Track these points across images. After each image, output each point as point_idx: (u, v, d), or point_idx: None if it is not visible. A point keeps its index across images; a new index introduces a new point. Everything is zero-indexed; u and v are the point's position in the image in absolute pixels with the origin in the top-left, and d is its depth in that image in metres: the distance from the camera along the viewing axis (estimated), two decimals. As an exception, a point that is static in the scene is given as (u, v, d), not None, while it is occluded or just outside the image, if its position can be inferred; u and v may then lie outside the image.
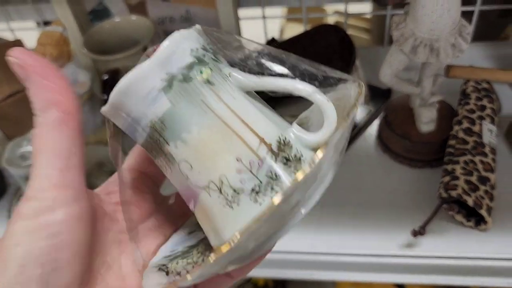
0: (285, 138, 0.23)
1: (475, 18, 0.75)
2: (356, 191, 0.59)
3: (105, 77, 0.63)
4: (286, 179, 0.21)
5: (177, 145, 0.22)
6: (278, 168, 0.22)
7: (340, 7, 1.24)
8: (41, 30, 0.82)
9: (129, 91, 0.22)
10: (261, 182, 0.21)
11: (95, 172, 0.65)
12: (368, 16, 1.18)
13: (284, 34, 1.14)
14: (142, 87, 0.22)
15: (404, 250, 0.52)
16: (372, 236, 0.54)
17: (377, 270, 0.54)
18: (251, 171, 0.21)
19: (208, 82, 0.22)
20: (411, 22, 0.48)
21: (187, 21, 0.78)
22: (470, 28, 0.49)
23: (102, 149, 0.67)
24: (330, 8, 1.29)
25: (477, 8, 0.74)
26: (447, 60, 0.49)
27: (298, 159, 0.22)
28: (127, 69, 0.73)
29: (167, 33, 0.81)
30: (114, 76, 0.63)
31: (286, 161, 0.22)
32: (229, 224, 0.22)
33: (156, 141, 0.23)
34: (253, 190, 0.21)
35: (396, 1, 0.50)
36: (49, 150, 0.21)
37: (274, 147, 0.22)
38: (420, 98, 0.58)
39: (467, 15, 0.75)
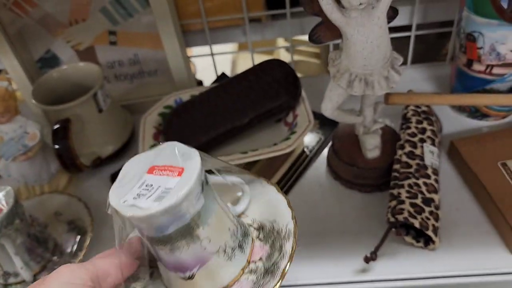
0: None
1: (411, 42, 0.79)
2: (310, 220, 0.60)
3: (56, 126, 0.63)
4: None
5: (204, 228, 0.32)
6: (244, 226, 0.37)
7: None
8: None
9: (189, 195, 0.30)
10: (241, 239, 0.36)
11: (52, 221, 0.64)
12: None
13: (236, 66, 1.17)
14: (195, 192, 0.31)
15: (358, 276, 0.54)
16: (327, 264, 0.55)
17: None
18: (235, 235, 0.35)
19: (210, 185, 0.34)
20: (345, 59, 0.51)
21: (136, 64, 0.79)
22: (401, 60, 0.52)
23: (57, 197, 0.67)
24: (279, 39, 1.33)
25: (413, 34, 0.78)
26: (382, 92, 0.51)
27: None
28: (77, 117, 0.74)
29: (117, 77, 0.82)
30: (65, 126, 0.63)
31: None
32: (229, 271, 0.35)
33: (190, 228, 0.32)
34: (239, 245, 0.35)
35: (329, 40, 0.53)
36: None
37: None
38: (363, 126, 0.60)
39: (404, 40, 0.80)
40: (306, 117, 0.65)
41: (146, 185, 0.32)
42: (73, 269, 0.31)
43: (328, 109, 0.55)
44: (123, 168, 0.34)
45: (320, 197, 0.63)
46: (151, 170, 0.33)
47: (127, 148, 0.75)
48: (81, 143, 0.66)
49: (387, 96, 0.60)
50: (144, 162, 0.34)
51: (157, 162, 0.33)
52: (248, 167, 0.66)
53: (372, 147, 0.59)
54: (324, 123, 0.73)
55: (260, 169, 0.66)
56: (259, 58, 0.77)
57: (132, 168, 0.34)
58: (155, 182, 0.31)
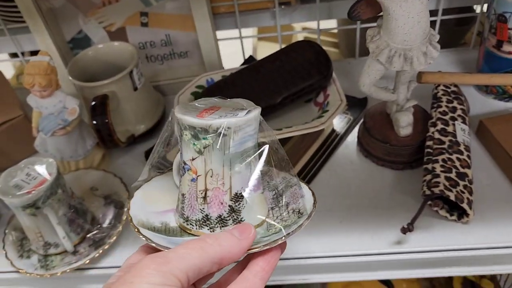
0: None
1: (437, 27, 0.80)
2: (343, 197, 0.62)
3: (94, 102, 0.64)
4: None
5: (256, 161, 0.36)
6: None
7: (309, 24, 1.29)
8: (23, 62, 0.83)
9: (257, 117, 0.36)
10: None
11: (88, 196, 0.66)
12: (335, 31, 1.24)
13: (257, 53, 1.18)
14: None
15: (394, 247, 0.55)
16: (363, 236, 0.57)
17: (370, 269, 0.57)
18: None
19: None
20: (385, 35, 0.52)
21: (168, 45, 0.80)
22: (438, 37, 0.54)
23: (93, 173, 0.68)
24: (298, 25, 1.34)
25: (439, 18, 0.79)
26: (420, 67, 0.53)
27: None
28: (113, 94, 0.76)
29: (148, 58, 0.84)
30: (103, 101, 0.64)
31: None
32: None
33: (255, 151, 0.36)
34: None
35: (368, 15, 0.54)
36: None
37: None
38: (396, 104, 0.62)
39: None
40: (338, 96, 0.67)
41: (217, 112, 0.35)
42: (164, 270, 0.29)
43: (366, 85, 0.57)
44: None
45: (352, 174, 0.65)
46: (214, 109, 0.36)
47: (159, 127, 0.76)
48: (116, 121, 0.67)
49: (420, 74, 0.62)
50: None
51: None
52: (281, 144, 0.67)
53: (405, 124, 0.61)
54: (352, 104, 0.75)
55: (292, 147, 0.68)
56: (275, 46, 0.78)
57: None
58: (223, 111, 0.35)
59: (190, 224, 0.36)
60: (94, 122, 0.65)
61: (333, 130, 0.71)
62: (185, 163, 0.35)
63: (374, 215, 0.59)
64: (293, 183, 0.40)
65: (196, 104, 0.37)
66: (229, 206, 0.35)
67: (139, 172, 0.70)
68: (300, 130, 0.62)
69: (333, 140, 0.70)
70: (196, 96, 0.72)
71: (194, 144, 0.34)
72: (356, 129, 0.71)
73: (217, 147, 0.33)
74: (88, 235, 0.61)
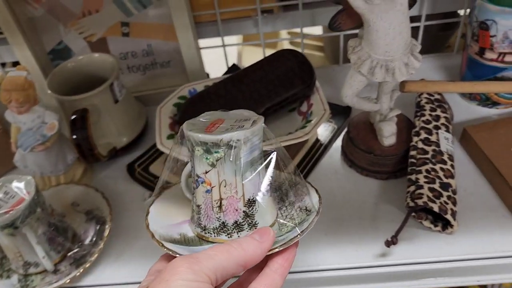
0: None
1: (420, 33, 0.80)
2: (328, 208, 0.61)
3: (74, 116, 0.63)
4: None
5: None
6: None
7: (294, 29, 1.29)
8: (2, 75, 0.82)
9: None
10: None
11: (69, 212, 0.64)
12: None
13: (243, 58, 1.18)
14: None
15: (379, 260, 0.55)
16: (347, 249, 0.56)
17: (356, 282, 0.56)
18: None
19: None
20: (366, 46, 0.52)
21: (149, 55, 0.79)
22: (419, 47, 0.53)
23: (74, 188, 0.67)
24: (283, 31, 1.33)
25: (422, 24, 0.79)
26: (402, 78, 0.52)
27: None
28: (94, 108, 0.75)
29: (129, 68, 0.82)
30: (83, 115, 0.63)
31: None
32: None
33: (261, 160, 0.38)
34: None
35: (349, 27, 0.53)
36: None
37: None
38: (379, 114, 0.61)
39: (412, 30, 0.81)
40: (321, 105, 0.66)
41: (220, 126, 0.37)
42: (196, 269, 0.32)
43: (348, 96, 0.56)
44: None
45: (336, 184, 0.64)
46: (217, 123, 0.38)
47: (141, 139, 0.75)
48: (97, 134, 0.66)
49: (403, 83, 0.61)
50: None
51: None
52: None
53: (389, 134, 0.60)
54: (336, 112, 0.74)
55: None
56: (260, 51, 0.77)
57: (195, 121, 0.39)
58: (228, 123, 0.37)
59: (208, 232, 0.38)
60: (74, 136, 0.63)
61: (317, 140, 0.70)
62: (198, 177, 0.37)
63: (359, 226, 0.58)
64: (296, 181, 0.42)
65: (201, 120, 0.39)
66: (244, 211, 0.37)
67: (121, 185, 0.70)
68: (284, 141, 0.61)
69: (318, 150, 0.69)
70: (179, 107, 0.71)
71: (206, 158, 0.36)
72: (340, 138, 0.70)
73: (230, 159, 0.35)
74: (69, 253, 0.60)
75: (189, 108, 0.69)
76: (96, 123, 0.67)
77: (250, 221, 0.38)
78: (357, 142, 0.63)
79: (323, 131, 0.72)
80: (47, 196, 0.59)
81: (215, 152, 0.35)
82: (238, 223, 0.37)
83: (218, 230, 0.38)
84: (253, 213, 0.38)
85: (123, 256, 0.61)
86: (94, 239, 0.61)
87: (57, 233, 0.59)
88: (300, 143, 0.68)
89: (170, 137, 0.65)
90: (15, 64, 0.91)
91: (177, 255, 0.35)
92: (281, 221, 0.40)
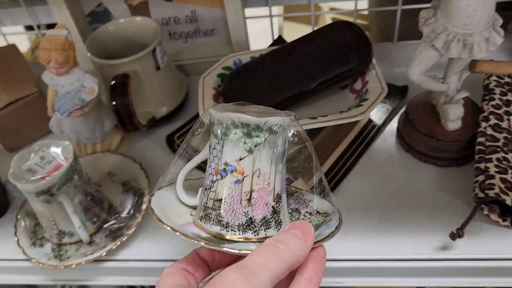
0: None
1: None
2: (382, 194, 0.57)
3: (114, 81, 0.59)
4: None
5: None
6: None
7: (337, 4, 1.22)
8: (39, 35, 0.78)
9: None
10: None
11: (105, 182, 0.61)
12: (365, 13, 1.17)
13: (283, 34, 1.12)
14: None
15: (438, 253, 0.50)
16: (404, 240, 0.52)
17: (412, 275, 0.52)
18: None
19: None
20: (443, 17, 0.46)
21: (193, 22, 0.75)
22: (501, 21, 0.48)
23: (111, 157, 0.64)
24: (325, 5, 1.27)
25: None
26: (481, 55, 0.47)
27: None
28: (134, 74, 0.70)
29: (171, 35, 0.78)
30: (123, 81, 0.59)
31: None
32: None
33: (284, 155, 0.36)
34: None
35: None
36: None
37: None
38: (445, 95, 0.56)
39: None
40: (378, 83, 0.61)
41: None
42: (252, 282, 0.27)
43: (416, 73, 0.51)
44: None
45: (391, 169, 0.59)
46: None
47: (181, 110, 0.71)
48: (136, 102, 0.62)
49: (474, 63, 0.56)
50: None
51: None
52: (311, 134, 0.62)
53: (455, 117, 0.55)
54: (391, 93, 0.68)
55: (324, 138, 0.62)
56: (302, 27, 0.72)
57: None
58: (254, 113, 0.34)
59: (232, 230, 0.34)
60: (114, 103, 0.60)
61: (369, 120, 0.66)
62: (227, 165, 0.33)
63: (416, 216, 0.54)
64: (292, 191, 0.41)
65: (226, 106, 0.36)
66: (272, 207, 0.35)
67: (160, 157, 0.67)
68: (338, 119, 0.57)
69: (370, 131, 0.64)
70: (223, 78, 0.67)
71: (245, 142, 0.33)
72: (395, 120, 0.65)
73: (269, 146, 0.33)
74: (105, 225, 0.57)
75: (235, 80, 0.64)
76: (136, 90, 0.64)
77: (277, 219, 0.35)
78: (417, 125, 0.58)
79: (377, 112, 0.67)
80: (82, 164, 0.56)
81: (256, 136, 0.33)
82: (266, 219, 0.34)
83: (244, 226, 0.34)
84: (280, 210, 0.35)
85: (160, 232, 0.58)
86: (131, 212, 0.58)
87: (94, 203, 0.56)
88: (352, 123, 0.64)
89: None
90: (50, 26, 0.88)
91: (215, 247, 0.32)
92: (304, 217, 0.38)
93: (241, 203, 0.33)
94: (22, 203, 0.61)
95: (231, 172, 0.33)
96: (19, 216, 0.60)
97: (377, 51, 0.77)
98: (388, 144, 0.62)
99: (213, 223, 0.34)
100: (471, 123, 0.57)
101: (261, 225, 0.34)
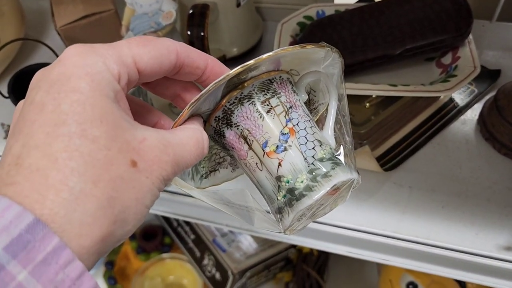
0: None
1: None
2: (451, 179, 0.53)
3: (193, 11, 0.57)
4: None
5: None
6: None
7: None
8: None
9: None
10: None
11: (166, 112, 0.60)
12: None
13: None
14: None
15: (501, 252, 0.46)
16: (466, 230, 0.48)
17: (467, 269, 0.49)
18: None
19: None
20: None
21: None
22: None
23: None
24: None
25: None
26: None
27: None
28: (214, 6, 0.65)
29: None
30: (202, 11, 0.57)
31: None
32: None
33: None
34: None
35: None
36: None
37: None
38: (546, 86, 0.50)
39: None
40: (471, 61, 0.56)
41: None
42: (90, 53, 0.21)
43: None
44: None
45: (465, 155, 0.55)
46: None
47: (252, 54, 0.68)
48: (210, 36, 0.60)
49: None
50: None
51: None
52: (386, 103, 0.58)
53: (553, 112, 0.50)
54: (479, 75, 0.63)
55: (399, 108, 0.58)
56: None
57: None
58: None
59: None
60: (189, 32, 0.58)
61: (451, 100, 0.61)
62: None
63: (485, 209, 0.50)
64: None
65: None
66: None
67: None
68: (420, 91, 0.53)
69: (449, 111, 0.59)
70: (302, 27, 0.63)
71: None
72: (479, 105, 0.60)
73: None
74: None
75: (316, 31, 0.61)
76: (212, 23, 0.61)
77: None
78: (506, 113, 0.53)
79: (460, 92, 0.61)
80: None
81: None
82: None
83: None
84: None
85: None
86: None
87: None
88: (431, 99, 0.59)
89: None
90: None
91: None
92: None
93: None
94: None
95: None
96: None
97: (471, 28, 0.71)
98: (466, 129, 0.58)
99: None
100: None
101: None
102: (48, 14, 0.70)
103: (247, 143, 0.27)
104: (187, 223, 0.91)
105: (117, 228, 0.20)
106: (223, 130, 0.28)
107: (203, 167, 0.32)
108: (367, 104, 0.58)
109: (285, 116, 0.27)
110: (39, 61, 0.65)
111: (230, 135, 0.27)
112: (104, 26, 0.69)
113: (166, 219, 0.95)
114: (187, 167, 0.24)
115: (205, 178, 0.32)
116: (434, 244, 0.48)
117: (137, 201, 0.21)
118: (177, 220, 0.93)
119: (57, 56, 0.66)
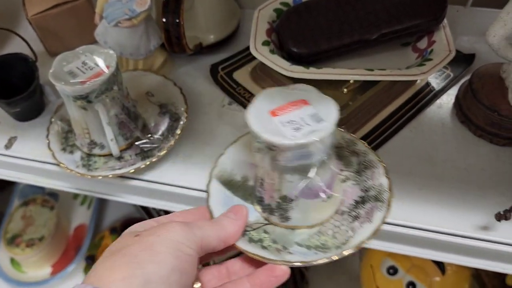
0: None
1: None
2: (428, 162, 0.53)
3: (167, -3, 0.56)
4: None
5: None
6: None
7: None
8: None
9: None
10: None
11: (142, 101, 0.59)
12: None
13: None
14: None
15: (478, 232, 0.47)
16: (444, 212, 0.49)
17: (446, 249, 0.49)
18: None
19: None
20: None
21: None
22: None
23: (151, 77, 0.62)
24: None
25: None
26: None
27: None
28: None
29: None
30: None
31: None
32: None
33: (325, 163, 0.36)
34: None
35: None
36: None
37: None
38: (519, 68, 0.51)
39: None
40: (446, 45, 0.56)
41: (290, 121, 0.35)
42: (186, 230, 0.33)
43: (497, 35, 0.46)
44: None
45: (441, 138, 0.56)
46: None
47: (229, 41, 0.68)
48: (186, 24, 0.59)
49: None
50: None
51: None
52: (363, 88, 0.58)
53: (526, 94, 0.51)
54: (455, 59, 0.63)
55: (376, 94, 0.59)
56: None
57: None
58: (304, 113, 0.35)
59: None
60: (164, 20, 0.57)
61: (427, 84, 0.61)
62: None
63: (461, 190, 0.50)
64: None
65: (289, 91, 0.37)
66: (277, 202, 0.38)
67: (201, 85, 0.64)
68: (396, 75, 0.53)
69: (426, 96, 0.60)
70: (279, 13, 0.63)
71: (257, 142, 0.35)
72: (455, 89, 0.60)
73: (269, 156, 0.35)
74: (137, 143, 0.56)
75: (292, 17, 0.60)
76: (187, 11, 0.60)
77: (282, 213, 0.38)
78: (480, 96, 0.54)
79: (435, 76, 0.62)
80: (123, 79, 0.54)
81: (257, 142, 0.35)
82: (271, 207, 0.39)
83: (258, 200, 0.41)
84: (288, 208, 0.38)
85: (191, 160, 0.56)
86: (165, 134, 0.56)
87: (129, 119, 0.54)
88: (407, 83, 0.60)
89: (266, 43, 0.58)
90: None
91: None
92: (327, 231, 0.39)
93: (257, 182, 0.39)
94: (58, 107, 0.60)
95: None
96: (53, 120, 0.59)
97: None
98: (442, 112, 0.58)
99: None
100: (540, 103, 0.52)
101: (265, 209, 0.39)
102: (19, 3, 0.68)
103: None
104: (167, 212, 0.90)
105: None
106: None
107: None
108: (345, 90, 0.58)
109: None
110: (11, 51, 0.63)
111: None
112: (77, 15, 0.67)
113: (146, 210, 0.94)
114: None
115: None
116: (412, 225, 0.48)
117: None
118: (156, 211, 0.92)
119: (29, 46, 0.65)
